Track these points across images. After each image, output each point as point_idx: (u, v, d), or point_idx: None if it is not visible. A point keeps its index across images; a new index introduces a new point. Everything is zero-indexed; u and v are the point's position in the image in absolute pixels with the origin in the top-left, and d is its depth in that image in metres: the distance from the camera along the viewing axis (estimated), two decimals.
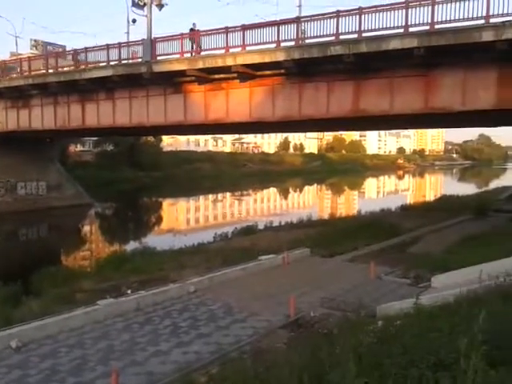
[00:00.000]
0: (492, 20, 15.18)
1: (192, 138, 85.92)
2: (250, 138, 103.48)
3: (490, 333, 3.94)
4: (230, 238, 23.19)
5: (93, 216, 38.96)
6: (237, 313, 10.66)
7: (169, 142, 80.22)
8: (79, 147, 68.32)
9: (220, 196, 55.91)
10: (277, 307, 10.84)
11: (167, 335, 9.41)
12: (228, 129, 33.18)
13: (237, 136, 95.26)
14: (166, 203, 48.50)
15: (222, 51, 20.44)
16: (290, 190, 66.21)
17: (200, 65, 20.92)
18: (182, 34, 22.02)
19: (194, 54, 21.36)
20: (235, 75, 20.77)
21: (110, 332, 9.61)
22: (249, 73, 20.30)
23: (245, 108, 21.54)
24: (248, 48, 20.11)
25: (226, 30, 20.67)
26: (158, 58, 22.34)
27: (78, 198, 38.71)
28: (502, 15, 15.27)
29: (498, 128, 30.76)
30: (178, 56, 21.95)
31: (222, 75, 21.35)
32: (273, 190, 63.32)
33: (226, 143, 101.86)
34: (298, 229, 24.69)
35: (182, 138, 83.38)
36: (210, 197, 54.29)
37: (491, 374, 3.09)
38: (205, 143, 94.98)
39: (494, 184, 68.00)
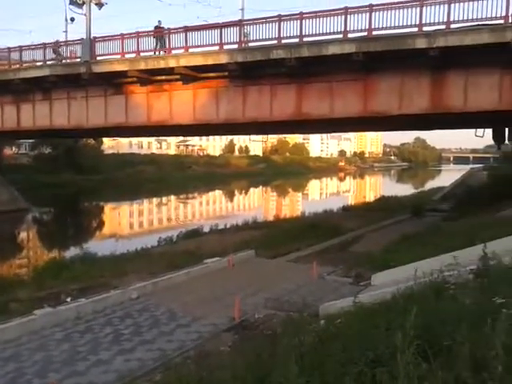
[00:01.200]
0: (425, 28, 15.95)
1: (135, 140, 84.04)
2: (194, 141, 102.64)
3: (423, 327, 4.12)
4: (174, 241, 22.86)
5: (30, 221, 37.19)
6: (181, 317, 10.52)
7: (110, 145, 78.04)
8: (15, 150, 65.12)
9: (164, 199, 55.03)
10: (222, 310, 10.80)
11: (109, 343, 9.14)
12: (172, 131, 32.81)
13: (181, 138, 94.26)
14: (108, 207, 47.12)
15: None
16: (236, 192, 66.28)
17: (142, 66, 20.58)
18: (122, 35, 21.54)
19: (160, 52, 20.75)
20: (178, 77, 20.60)
21: (48, 343, 9.19)
22: (192, 75, 20.18)
23: (188, 110, 21.38)
24: (191, 50, 20.00)
25: (169, 32, 20.45)
26: (98, 58, 21.73)
27: (13, 203, 36.81)
28: (434, 24, 16.10)
29: (433, 131, 32.33)
30: (119, 56, 21.46)
31: (164, 77, 21.11)
32: (218, 193, 63.14)
33: (170, 145, 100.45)
34: (243, 231, 24.76)
35: (124, 141, 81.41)
36: (154, 200, 53.33)
37: (422, 367, 3.21)
38: (148, 145, 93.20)
39: (429, 185, 71.26)
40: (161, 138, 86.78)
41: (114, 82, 22.17)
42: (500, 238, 9.17)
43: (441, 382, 3.29)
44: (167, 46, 20.44)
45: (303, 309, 9.16)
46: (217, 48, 19.52)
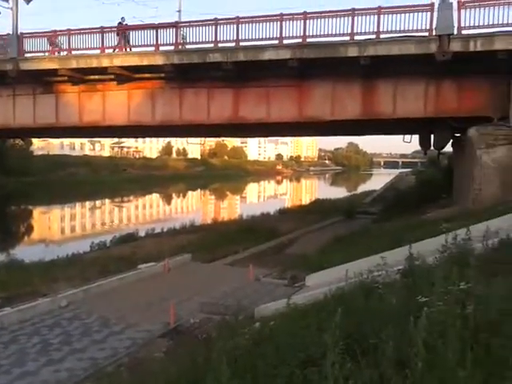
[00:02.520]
0: (356, 37, 16.58)
1: (66, 141, 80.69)
2: (130, 142, 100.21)
3: (352, 327, 4.27)
4: (108, 246, 22.16)
5: None
6: (114, 325, 10.21)
7: (40, 146, 74.37)
8: None
9: (98, 203, 53.20)
10: (156, 316, 10.60)
11: (36, 354, 8.68)
12: (106, 132, 31.81)
13: (116, 140, 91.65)
14: (38, 211, 44.86)
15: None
16: (173, 195, 65.38)
17: (73, 64, 19.84)
18: (54, 31, 20.70)
19: (123, 49, 19.94)
20: (112, 77, 20.06)
21: None
22: (127, 75, 19.74)
23: (123, 111, 20.87)
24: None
25: (102, 30, 19.88)
26: (27, 55, 20.71)
27: None
28: (365, 33, 16.79)
29: (365, 137, 33.67)
30: (48, 54, 20.57)
31: (98, 76, 20.48)
32: (155, 196, 61.98)
33: (104, 147, 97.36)
34: (180, 235, 24.48)
35: (55, 141, 77.97)
36: (88, 204, 51.43)
37: (347, 367, 3.31)
38: (81, 147, 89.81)
39: (361, 188, 73.91)
40: (94, 139, 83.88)
41: (44, 81, 21.18)
42: (425, 239, 9.66)
43: (367, 380, 3.43)
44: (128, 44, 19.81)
45: (239, 312, 9.18)
46: (153, 49, 19.23)
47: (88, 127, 23.03)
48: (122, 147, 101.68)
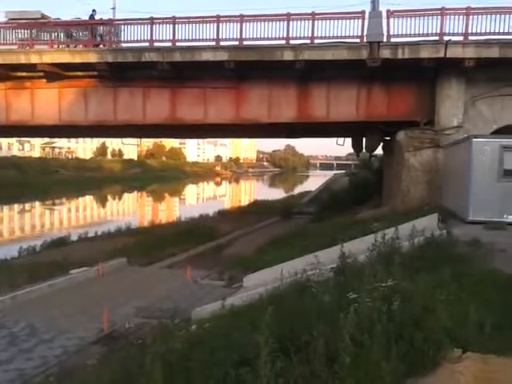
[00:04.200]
0: (292, 42, 16.93)
1: None
2: (62, 143, 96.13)
3: (285, 325, 4.36)
4: (38, 251, 21.10)
5: None
6: (43, 333, 9.75)
7: None
8: None
9: (28, 206, 50.55)
10: (90, 322, 10.25)
11: None
12: (36, 132, 30.33)
13: (47, 140, 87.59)
14: None
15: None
16: (109, 197, 63.39)
17: None
18: None
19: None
20: (42, 74, 19.19)
21: None
22: (58, 72, 18.97)
23: (54, 110, 20.02)
24: (56, 46, 18.82)
25: (30, 25, 18.97)
26: None
27: None
28: (301, 38, 17.17)
29: (301, 139, 34.41)
30: None
31: (26, 73, 19.51)
32: (89, 198, 59.82)
33: (34, 147, 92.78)
34: (115, 238, 23.75)
35: None
36: (16, 207, 48.75)
37: (278, 364, 3.37)
38: (9, 147, 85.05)
39: (298, 189, 75.34)
40: (23, 138, 79.73)
41: None
42: (356, 238, 10.04)
43: (299, 376, 3.51)
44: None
45: (176, 315, 9.10)
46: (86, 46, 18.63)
47: (15, 126, 21.86)
48: (54, 147, 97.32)
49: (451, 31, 16.51)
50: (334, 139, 25.47)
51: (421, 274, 5.38)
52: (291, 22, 16.98)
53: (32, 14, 19.87)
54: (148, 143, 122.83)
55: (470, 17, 16.40)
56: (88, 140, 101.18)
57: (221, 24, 17.37)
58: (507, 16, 16.18)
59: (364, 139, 22.71)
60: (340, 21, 16.92)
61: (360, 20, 16.80)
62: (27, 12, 20.04)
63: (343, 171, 78.33)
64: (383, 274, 5.15)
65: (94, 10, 20.12)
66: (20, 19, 19.62)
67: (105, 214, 49.27)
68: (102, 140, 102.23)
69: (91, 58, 18.17)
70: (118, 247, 19.93)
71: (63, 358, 8.38)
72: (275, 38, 17.04)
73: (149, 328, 9.07)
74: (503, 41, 16.07)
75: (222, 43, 17.45)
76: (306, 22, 17.04)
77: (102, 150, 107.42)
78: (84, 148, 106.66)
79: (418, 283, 4.79)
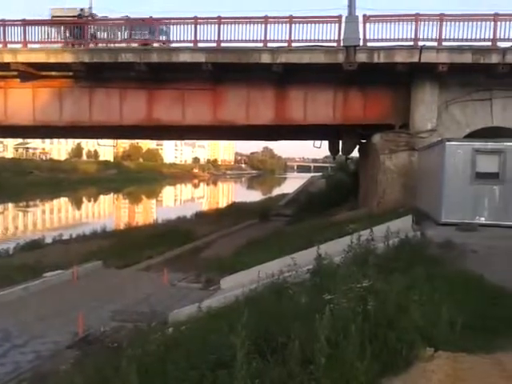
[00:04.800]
0: (270, 44, 17.02)
1: None
2: (36, 143, 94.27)
3: (262, 327, 4.38)
4: (11, 254, 20.67)
5: None
6: (15, 338, 9.54)
7: None
8: None
9: (0, 208, 49.46)
10: (64, 326, 10.07)
11: None
12: (9, 132, 29.65)
13: (20, 140, 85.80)
14: None
15: None
16: (84, 199, 62.43)
17: None
18: None
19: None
20: (16, 73, 18.84)
21: None
22: (32, 72, 18.65)
23: (28, 110, 19.67)
24: (30, 46, 18.50)
25: (4, 24, 18.62)
26: None
27: None
28: (278, 41, 17.28)
29: (279, 141, 34.53)
30: None
31: None
32: (64, 200, 58.80)
33: (7, 148, 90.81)
34: (91, 240, 23.41)
35: None
36: None
37: (254, 366, 3.39)
38: None
39: (276, 191, 75.62)
40: None
41: None
42: (332, 240, 10.14)
43: (276, 378, 3.54)
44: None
45: (152, 318, 9.04)
46: (61, 46, 18.36)
47: None
48: (28, 148, 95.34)
49: (425, 37, 16.85)
50: (312, 142, 25.65)
51: (395, 274, 5.47)
52: (269, 25, 17.08)
53: (74, 12, 19.25)
54: (124, 144, 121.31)
55: (444, 23, 16.76)
56: (63, 141, 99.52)
57: (199, 25, 17.34)
58: (479, 23, 16.59)
59: (340, 142, 22.95)
60: (317, 25, 17.08)
61: (337, 24, 17.00)
62: (70, 9, 19.41)
63: (320, 173, 78.90)
64: (358, 275, 5.22)
65: (81, 9, 19.78)
66: (64, 17, 19.12)
67: (80, 216, 48.53)
68: (77, 141, 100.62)
69: (67, 58, 17.92)
70: (93, 250, 19.66)
71: (37, 363, 8.22)
72: (253, 41, 17.11)
73: (125, 331, 8.98)
74: (475, 47, 16.48)
75: (199, 45, 17.43)
76: (284, 25, 17.16)
77: (78, 151, 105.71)
78: (59, 149, 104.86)
79: (392, 284, 4.86)
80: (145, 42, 18.14)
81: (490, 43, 16.59)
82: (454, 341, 3.97)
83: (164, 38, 18.36)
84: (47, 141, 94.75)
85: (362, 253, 7.51)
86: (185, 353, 4.56)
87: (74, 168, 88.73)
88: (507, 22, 16.49)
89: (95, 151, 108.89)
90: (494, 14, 16.55)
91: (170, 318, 9.28)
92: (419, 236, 9.86)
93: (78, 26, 18.43)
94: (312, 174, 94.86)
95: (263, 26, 17.07)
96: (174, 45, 17.60)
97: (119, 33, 18.36)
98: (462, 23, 16.68)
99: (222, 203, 57.79)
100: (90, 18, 19.10)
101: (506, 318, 4.60)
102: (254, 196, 60.84)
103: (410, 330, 3.87)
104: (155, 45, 18.12)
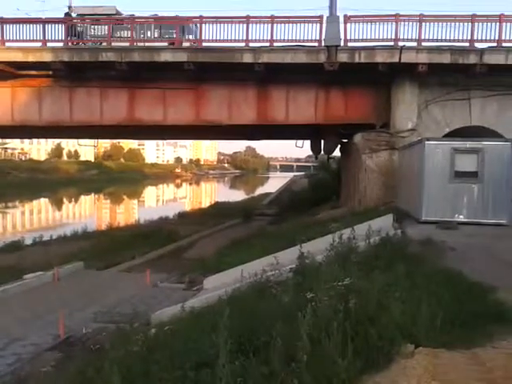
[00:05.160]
0: (251, 44, 17.03)
1: None
2: (15, 144, 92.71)
3: (244, 326, 4.39)
4: None
5: None
6: None
7: None
8: None
9: None
10: (45, 328, 9.95)
11: None
12: None
13: None
14: None
15: None
16: (65, 200, 61.61)
17: None
18: None
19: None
20: None
21: None
22: (10, 71, 18.32)
23: (6, 110, 19.34)
24: (8, 44, 18.20)
25: None
26: None
27: None
28: (260, 41, 17.31)
29: (262, 141, 34.60)
30: None
31: None
32: (44, 201, 57.96)
33: None
34: (72, 242, 23.15)
35: None
36: None
37: (237, 365, 3.40)
38: None
39: (259, 191, 75.67)
40: None
41: None
42: (315, 239, 10.19)
43: (259, 377, 3.55)
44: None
45: (135, 319, 8.97)
46: (40, 44, 18.08)
47: None
48: (6, 149, 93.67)
49: (406, 37, 17.05)
50: (294, 141, 25.76)
51: (376, 272, 5.52)
52: (251, 25, 17.08)
53: (106, 10, 18.82)
54: (105, 144, 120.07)
55: (423, 24, 16.98)
56: (42, 141, 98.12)
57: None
58: (458, 24, 16.85)
59: (322, 141, 23.08)
60: (299, 25, 17.15)
61: (318, 24, 17.09)
62: (100, 7, 19.04)
63: (303, 173, 79.24)
64: (340, 273, 5.27)
65: (69, 7, 19.60)
66: (92, 15, 18.76)
67: (60, 217, 47.85)
68: (57, 141, 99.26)
69: (45, 57, 17.66)
70: (74, 251, 19.46)
71: (17, 366, 8.10)
72: (235, 41, 17.11)
73: (107, 333, 8.89)
74: (454, 47, 16.74)
75: (182, 44, 17.35)
76: (266, 25, 17.18)
77: (58, 151, 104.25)
78: (38, 149, 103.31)
79: (373, 281, 4.91)
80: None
81: (468, 44, 16.86)
82: (435, 337, 4.03)
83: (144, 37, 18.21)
84: (26, 141, 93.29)
85: (343, 251, 7.56)
86: (167, 353, 4.56)
87: (54, 168, 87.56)
88: (484, 24, 16.78)
89: (76, 151, 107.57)
90: (471, 15, 16.83)
91: (152, 319, 9.23)
92: (400, 234, 9.98)
93: (76, 24, 18.15)
94: (295, 174, 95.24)
95: (245, 25, 17.07)
96: (155, 44, 17.47)
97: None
98: (441, 24, 16.92)
99: (205, 203, 57.60)
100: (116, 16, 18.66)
101: (483, 314, 4.68)
102: (237, 196, 60.80)
103: (390, 327, 3.92)
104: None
